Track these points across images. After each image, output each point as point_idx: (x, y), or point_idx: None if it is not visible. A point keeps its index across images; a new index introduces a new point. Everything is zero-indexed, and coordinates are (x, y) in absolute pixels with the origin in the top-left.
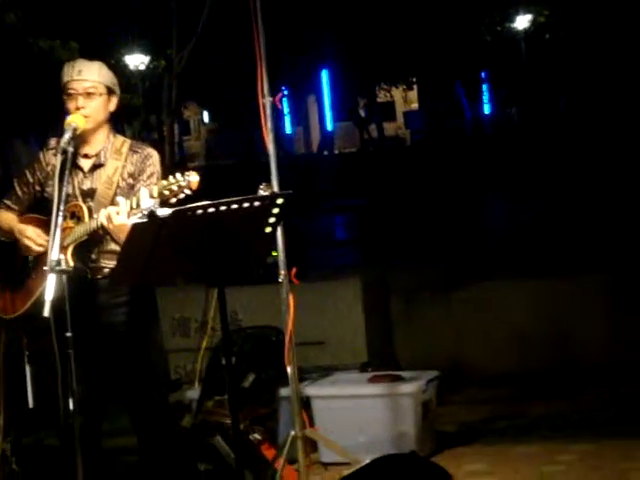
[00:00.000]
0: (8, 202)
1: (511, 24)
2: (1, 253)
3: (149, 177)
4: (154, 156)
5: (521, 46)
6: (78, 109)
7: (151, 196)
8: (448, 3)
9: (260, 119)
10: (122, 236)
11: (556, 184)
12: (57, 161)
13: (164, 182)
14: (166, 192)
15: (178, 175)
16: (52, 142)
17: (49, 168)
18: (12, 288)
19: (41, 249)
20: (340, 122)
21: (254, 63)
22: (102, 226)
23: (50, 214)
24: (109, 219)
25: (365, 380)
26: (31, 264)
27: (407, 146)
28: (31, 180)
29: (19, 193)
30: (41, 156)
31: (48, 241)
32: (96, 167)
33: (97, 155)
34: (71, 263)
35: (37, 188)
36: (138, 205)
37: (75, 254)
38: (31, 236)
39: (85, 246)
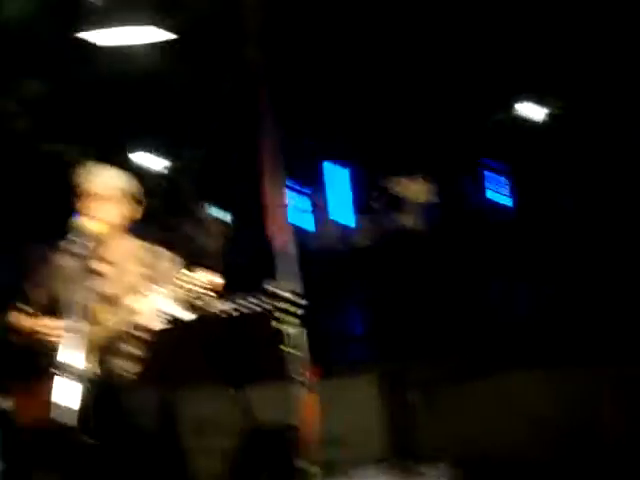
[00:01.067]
0: (24, 307)
1: (513, 112)
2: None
3: (169, 280)
4: (174, 259)
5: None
6: (92, 211)
7: (175, 299)
8: (448, 99)
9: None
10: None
11: (567, 274)
12: (72, 265)
13: (187, 285)
14: (189, 295)
15: (202, 277)
16: (68, 245)
17: (66, 271)
18: (36, 394)
19: (57, 334)
20: (356, 216)
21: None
22: (123, 329)
23: (66, 318)
24: (144, 319)
25: (384, 476)
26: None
27: (421, 237)
28: (47, 283)
29: (36, 297)
30: (57, 259)
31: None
32: (114, 271)
33: (115, 260)
34: (94, 367)
35: (52, 292)
36: (163, 307)
37: (96, 358)
38: (45, 323)
39: (106, 350)
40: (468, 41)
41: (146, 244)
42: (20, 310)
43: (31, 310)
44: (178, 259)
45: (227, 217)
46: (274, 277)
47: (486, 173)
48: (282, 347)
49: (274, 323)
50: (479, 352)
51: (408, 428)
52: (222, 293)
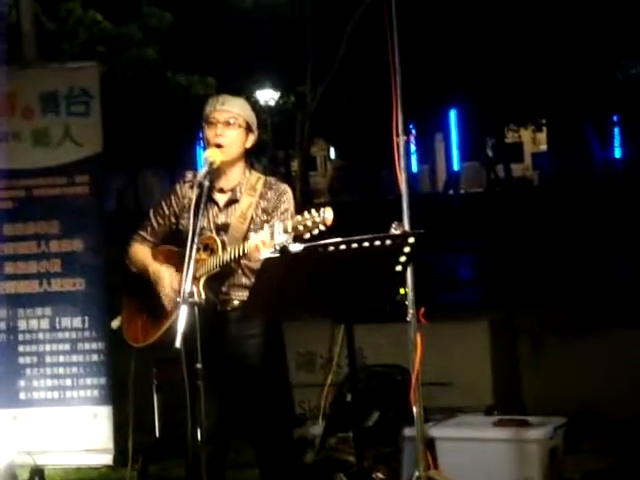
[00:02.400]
0: (143, 233)
1: None
2: (132, 285)
3: (283, 213)
4: (288, 192)
5: None
6: (216, 136)
7: (285, 231)
8: (581, 44)
9: (387, 157)
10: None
11: None
12: (193, 194)
13: (299, 217)
14: (300, 227)
15: (313, 211)
16: (189, 175)
17: (185, 201)
18: (143, 318)
19: (171, 298)
20: (467, 162)
21: (385, 101)
22: (235, 258)
23: (184, 246)
24: (257, 249)
25: (491, 424)
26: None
27: (535, 188)
28: (167, 212)
29: (154, 224)
30: (178, 188)
31: (179, 286)
32: (231, 202)
33: (232, 190)
34: (202, 295)
35: (172, 220)
36: (272, 237)
37: (207, 286)
38: (166, 280)
39: (217, 279)
40: None
41: (263, 176)
42: (141, 238)
43: (150, 237)
44: (291, 193)
45: (336, 155)
46: (385, 217)
47: (614, 128)
48: (398, 287)
49: (386, 262)
50: (590, 306)
51: (515, 376)
52: (333, 227)
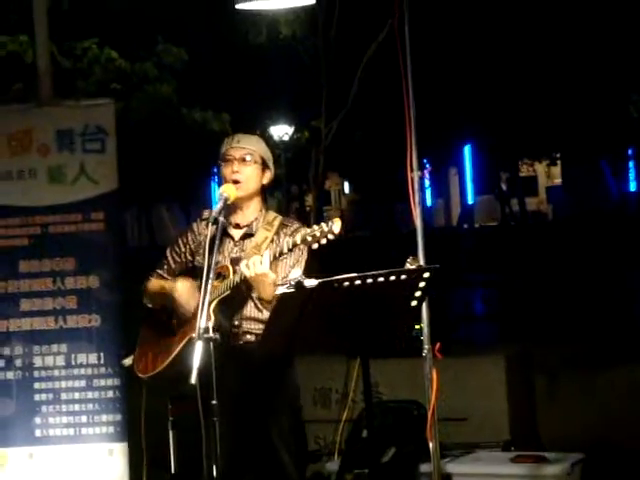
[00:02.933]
0: (160, 271)
1: None
2: (147, 322)
3: (293, 250)
4: (301, 230)
5: None
6: (233, 173)
7: (294, 244)
8: (594, 79)
9: (402, 191)
10: (262, 289)
11: None
12: (208, 230)
13: (307, 230)
14: (309, 238)
15: (322, 223)
16: (206, 213)
17: (201, 238)
18: (152, 349)
19: (193, 303)
20: (481, 195)
21: (399, 135)
22: (243, 280)
23: (199, 281)
24: (249, 267)
25: (508, 459)
26: (175, 324)
27: (549, 222)
28: (183, 249)
29: (171, 262)
30: (194, 226)
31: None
32: (246, 236)
33: (249, 226)
34: (212, 318)
35: (189, 257)
36: (276, 257)
37: (217, 311)
38: (181, 287)
39: (229, 308)
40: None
41: (279, 216)
42: (157, 275)
43: (166, 275)
44: (305, 230)
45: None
46: (398, 251)
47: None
48: (414, 322)
49: (401, 296)
50: (607, 340)
51: (532, 412)
52: (341, 235)
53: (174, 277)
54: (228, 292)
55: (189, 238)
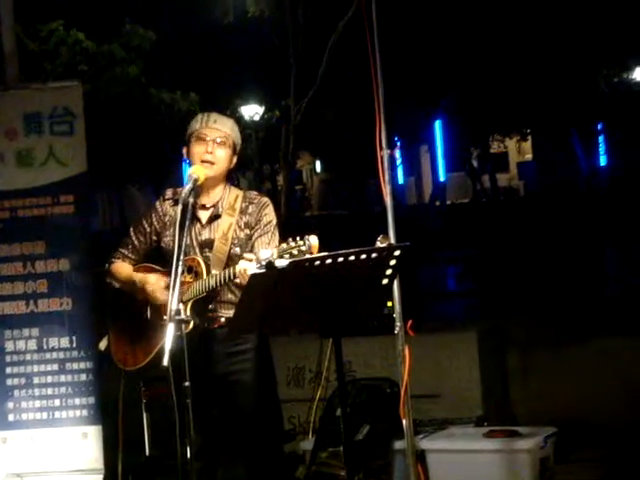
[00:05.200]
0: (124, 251)
1: (629, 75)
2: (117, 305)
3: (266, 225)
4: (270, 205)
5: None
6: (207, 153)
7: (270, 259)
8: (564, 53)
9: (373, 169)
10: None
11: None
12: (178, 211)
13: (284, 245)
14: (286, 256)
15: (298, 239)
16: (169, 192)
17: (166, 218)
18: (131, 340)
19: (166, 294)
20: (452, 172)
21: (369, 113)
22: (222, 283)
23: (166, 264)
24: (245, 274)
25: (481, 435)
26: (150, 315)
27: (520, 197)
28: (148, 230)
29: (135, 242)
30: (158, 206)
31: (168, 284)
32: (214, 218)
33: (214, 206)
34: (191, 319)
35: (154, 238)
36: (258, 262)
37: (193, 310)
38: (154, 282)
39: (203, 298)
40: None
41: (241, 192)
42: (121, 255)
43: (131, 255)
44: (272, 206)
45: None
46: (372, 229)
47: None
48: (385, 300)
49: (372, 275)
50: (579, 315)
51: (505, 387)
52: (332, 235)
53: (139, 256)
54: (204, 294)
55: (154, 218)
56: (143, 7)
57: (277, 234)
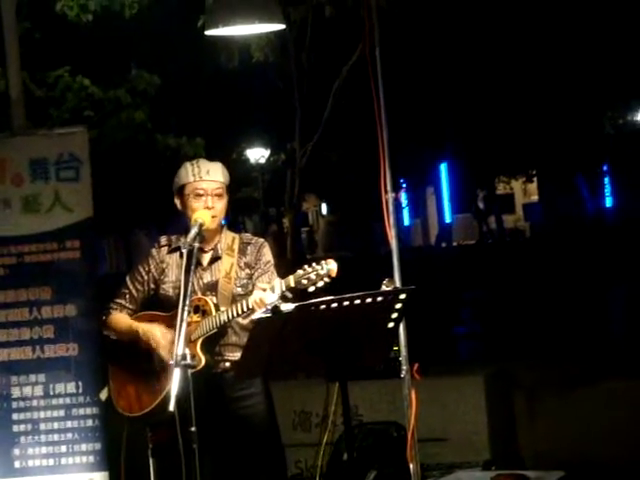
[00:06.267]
0: (121, 301)
1: (634, 116)
2: (117, 353)
3: (265, 264)
4: (266, 245)
5: None
6: (208, 209)
7: (288, 286)
8: (569, 96)
9: (378, 211)
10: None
11: None
12: (175, 257)
13: (301, 271)
14: (304, 281)
15: (314, 264)
16: (163, 239)
17: (164, 265)
18: (134, 385)
19: (167, 352)
20: (458, 214)
21: (374, 156)
22: (235, 316)
23: (166, 311)
24: (261, 303)
25: (489, 479)
26: (156, 363)
27: (527, 238)
28: (146, 277)
29: (133, 291)
30: (155, 253)
31: (174, 340)
32: (214, 260)
33: (214, 249)
34: (202, 359)
35: (151, 286)
36: (273, 291)
37: (203, 347)
38: (159, 338)
39: (210, 340)
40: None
41: (237, 235)
42: (119, 306)
43: (128, 305)
44: (268, 246)
45: (327, 209)
46: (378, 271)
47: (604, 178)
48: (391, 344)
49: (378, 318)
50: (586, 357)
51: (512, 430)
52: (337, 278)
53: (136, 306)
54: (215, 330)
55: (151, 265)
56: (148, 52)
57: (275, 274)
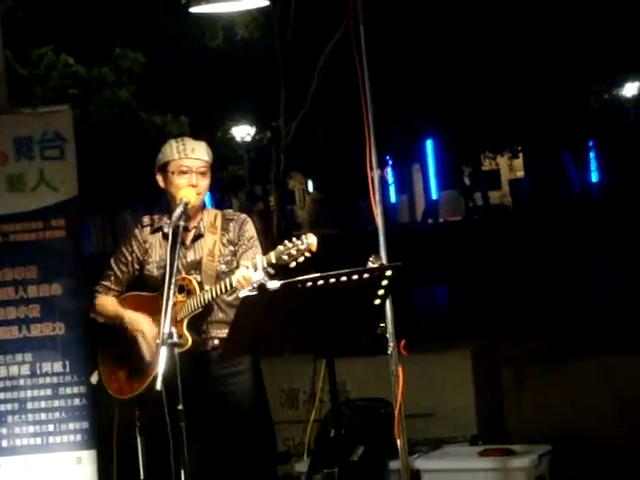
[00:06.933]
0: (107, 283)
1: (619, 91)
2: (106, 337)
3: (249, 240)
4: (249, 221)
5: (630, 114)
6: (193, 187)
7: (269, 262)
8: (554, 71)
9: (365, 188)
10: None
11: None
12: (158, 237)
13: (281, 247)
14: (285, 257)
15: (294, 239)
16: (146, 219)
17: (147, 245)
18: (124, 369)
19: (154, 343)
20: (445, 190)
21: (360, 133)
22: (219, 294)
23: (151, 291)
24: (246, 281)
25: (476, 454)
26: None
27: (512, 214)
28: (129, 258)
29: (118, 273)
30: (137, 233)
31: (159, 329)
32: (197, 238)
33: (196, 227)
34: (188, 337)
35: (136, 266)
36: (256, 270)
37: (189, 327)
38: (145, 326)
39: (196, 318)
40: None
41: (219, 211)
42: (104, 288)
43: (114, 286)
44: (251, 222)
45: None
46: (365, 248)
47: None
48: (378, 320)
49: (364, 295)
50: (572, 332)
51: (499, 405)
52: (318, 253)
53: (122, 287)
54: (200, 310)
55: (134, 246)
56: (133, 31)
57: (260, 249)
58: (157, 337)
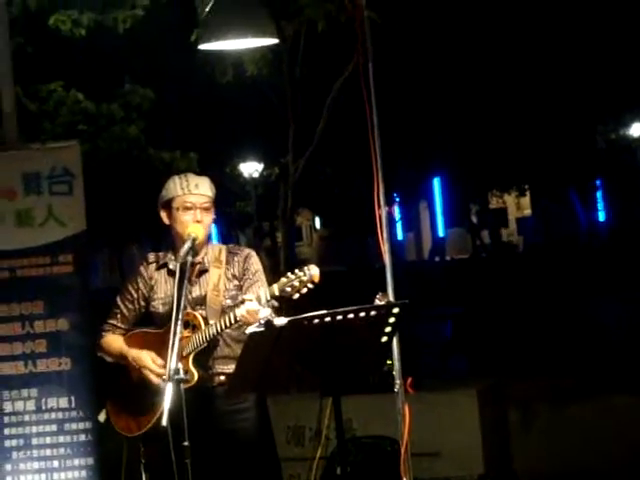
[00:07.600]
0: (113, 322)
1: (626, 131)
2: (114, 375)
3: (254, 274)
4: (254, 255)
5: (637, 153)
6: (198, 222)
7: (272, 295)
8: (562, 110)
9: (373, 225)
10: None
11: None
12: (177, 271)
13: (284, 279)
14: (288, 289)
15: (297, 271)
16: (151, 257)
17: (152, 282)
18: (131, 407)
19: (160, 380)
20: (452, 228)
21: (368, 170)
22: (223, 329)
23: (158, 327)
24: (250, 314)
25: None
26: (150, 384)
27: (520, 252)
28: (135, 295)
29: (124, 311)
30: (143, 270)
31: (166, 366)
32: (201, 273)
33: (201, 262)
34: (195, 372)
35: (142, 303)
36: (261, 302)
37: (195, 362)
38: (149, 366)
39: (202, 353)
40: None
41: (223, 245)
42: (111, 327)
43: (120, 324)
44: (256, 256)
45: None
46: (372, 285)
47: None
48: (384, 358)
49: (371, 333)
50: (579, 372)
51: (506, 445)
52: (319, 283)
53: (129, 325)
54: (205, 345)
55: (140, 283)
56: (142, 68)
57: (265, 283)
58: (162, 374)
